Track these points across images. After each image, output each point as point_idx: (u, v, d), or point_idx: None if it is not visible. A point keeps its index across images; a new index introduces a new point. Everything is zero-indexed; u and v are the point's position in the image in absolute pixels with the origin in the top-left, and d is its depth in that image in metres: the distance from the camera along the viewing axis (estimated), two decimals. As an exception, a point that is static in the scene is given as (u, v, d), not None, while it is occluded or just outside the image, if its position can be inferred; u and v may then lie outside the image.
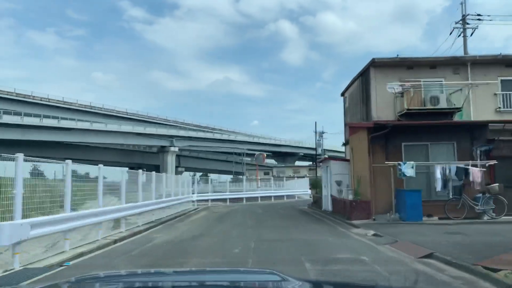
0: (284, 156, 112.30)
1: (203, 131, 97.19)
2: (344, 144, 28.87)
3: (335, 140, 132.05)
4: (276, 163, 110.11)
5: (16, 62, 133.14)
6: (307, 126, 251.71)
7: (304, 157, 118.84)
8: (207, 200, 33.37)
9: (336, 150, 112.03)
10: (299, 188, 43.57)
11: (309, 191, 44.60)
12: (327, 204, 24.33)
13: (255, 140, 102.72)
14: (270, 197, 38.96)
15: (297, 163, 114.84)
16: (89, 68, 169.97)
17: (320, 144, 77.12)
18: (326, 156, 40.49)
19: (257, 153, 43.56)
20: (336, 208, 22.12)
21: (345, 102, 28.50)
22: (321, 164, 26.12)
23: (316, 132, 67.65)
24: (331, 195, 23.27)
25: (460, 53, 30.20)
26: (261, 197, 38.00)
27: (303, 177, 50.82)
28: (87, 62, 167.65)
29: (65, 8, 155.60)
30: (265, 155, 43.43)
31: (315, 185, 32.62)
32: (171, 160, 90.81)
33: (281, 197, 40.41)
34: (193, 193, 31.17)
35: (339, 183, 22.09)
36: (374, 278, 7.62)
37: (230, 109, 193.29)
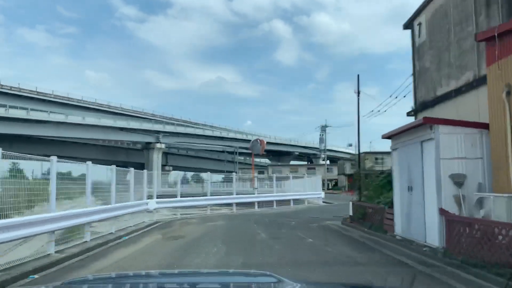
0: (279, 155, 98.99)
1: (193, 127, 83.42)
2: (414, 113, 15.31)
3: (333, 141, 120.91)
4: (270, 162, 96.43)
5: (4, 60, 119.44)
6: (299, 127, 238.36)
7: (300, 157, 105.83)
8: (175, 208, 19.62)
9: (338, 150, 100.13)
10: (308, 190, 30.20)
11: (322, 194, 31.15)
12: (420, 228, 9.88)
13: (249, 137, 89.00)
14: (271, 202, 25.49)
15: (292, 163, 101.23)
16: (81, 66, 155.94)
17: (323, 140, 64.06)
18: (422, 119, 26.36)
19: (253, 138, 29.88)
20: (458, 243, 8.20)
21: (419, 33, 15.08)
22: (396, 141, 12.04)
23: (323, 134, 54.67)
24: (441, 210, 9.10)
25: None
26: (259, 202, 24.39)
27: (301, 176, 36.80)
28: (79, 61, 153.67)
29: (55, 5, 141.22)
30: (265, 142, 29.90)
31: (358, 185, 19.05)
32: (157, 158, 77.15)
33: (286, 201, 26.82)
34: (149, 198, 17.43)
35: (460, 181, 8.56)
36: None
37: (223, 109, 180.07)
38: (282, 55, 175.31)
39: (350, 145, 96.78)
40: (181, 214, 19.49)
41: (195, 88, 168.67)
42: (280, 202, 26.43)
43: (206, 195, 21.45)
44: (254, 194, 24.11)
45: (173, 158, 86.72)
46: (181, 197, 19.91)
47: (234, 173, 25.31)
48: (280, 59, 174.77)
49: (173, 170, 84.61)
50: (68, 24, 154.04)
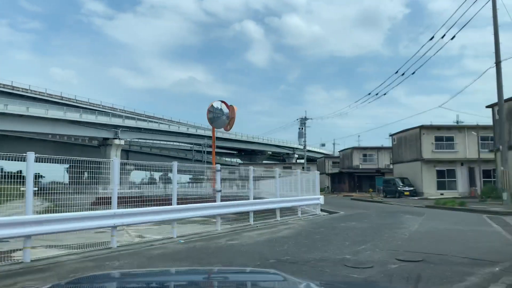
0: (251, 154, 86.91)
1: (156, 122, 70.14)
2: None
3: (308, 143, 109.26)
4: (241, 162, 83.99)
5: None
6: (272, 128, 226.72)
7: (272, 157, 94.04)
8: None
9: (312, 150, 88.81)
10: (302, 193, 18.10)
11: (321, 198, 19.07)
12: None
13: (219, 135, 76.60)
14: (246, 214, 13.36)
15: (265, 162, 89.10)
16: (46, 63, 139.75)
17: (302, 134, 52.34)
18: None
19: (216, 102, 18.01)
20: None
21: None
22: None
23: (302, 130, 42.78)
24: None
25: None
26: (223, 215, 12.17)
27: (288, 171, 22.60)
28: (43, 57, 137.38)
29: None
30: (236, 108, 18.12)
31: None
32: (115, 156, 63.75)
33: (270, 213, 14.68)
34: None
35: None
36: None
37: (194, 109, 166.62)
38: (254, 56, 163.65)
39: (323, 145, 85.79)
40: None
41: (166, 87, 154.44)
42: (261, 215, 14.30)
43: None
44: (217, 204, 11.84)
45: (135, 156, 72.81)
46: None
47: (175, 162, 12.76)
48: (252, 60, 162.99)
49: (135, 169, 71.42)
50: (32, 19, 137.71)
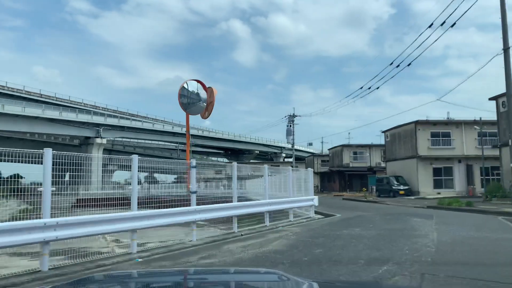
0: (238, 154, 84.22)
1: (140, 120, 67.13)
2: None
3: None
4: (228, 161, 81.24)
5: None
6: (258, 128, 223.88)
7: (260, 156, 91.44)
8: None
9: (300, 149, 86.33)
10: (294, 194, 15.64)
11: (316, 199, 16.64)
12: None
13: (205, 134, 73.86)
14: (229, 220, 10.90)
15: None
16: (29, 61, 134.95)
17: (290, 132, 49.89)
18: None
19: (190, 82, 15.10)
20: None
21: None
22: None
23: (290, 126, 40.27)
24: None
25: None
26: (199, 222, 9.67)
27: (275, 168, 19.42)
28: (27, 56, 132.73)
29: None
30: (215, 91, 15.41)
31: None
32: (97, 155, 60.53)
33: (257, 217, 12.23)
34: None
35: None
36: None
37: (181, 109, 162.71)
38: (240, 55, 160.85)
39: (311, 144, 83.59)
40: None
41: (152, 86, 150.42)
42: (247, 220, 11.83)
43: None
44: (191, 208, 9.25)
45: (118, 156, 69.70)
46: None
47: (135, 156, 10.17)
48: (238, 59, 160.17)
49: (117, 169, 68.31)
50: (15, 17, 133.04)
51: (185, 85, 11.24)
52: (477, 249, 8.16)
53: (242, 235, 10.88)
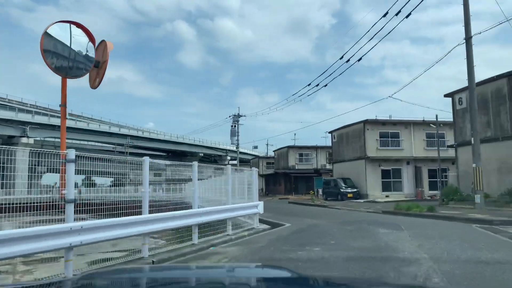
0: (181, 156, 79.65)
1: (73, 119, 60.74)
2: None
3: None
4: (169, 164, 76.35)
5: None
6: (202, 127, 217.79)
7: (204, 158, 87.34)
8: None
9: (245, 152, 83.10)
10: (236, 199, 12.30)
11: (259, 206, 13.34)
12: None
13: (145, 134, 68.72)
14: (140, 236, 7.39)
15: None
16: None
17: (235, 132, 46.42)
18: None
19: (61, 26, 10.71)
20: None
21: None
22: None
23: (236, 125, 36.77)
24: None
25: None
26: (86, 245, 6.08)
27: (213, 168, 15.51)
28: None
29: None
30: (111, 46, 11.70)
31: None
32: (21, 156, 53.60)
33: (183, 232, 8.76)
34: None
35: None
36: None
37: (123, 110, 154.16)
38: (186, 57, 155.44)
39: (256, 147, 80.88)
40: None
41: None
42: (170, 236, 8.30)
43: None
44: (66, 224, 5.64)
45: (47, 158, 62.71)
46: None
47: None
48: (184, 61, 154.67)
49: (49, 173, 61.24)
50: None
51: (53, 31, 6.49)
52: (491, 282, 5.20)
53: (153, 262, 7.29)
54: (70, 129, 58.16)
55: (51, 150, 7.22)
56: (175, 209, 8.83)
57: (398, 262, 6.69)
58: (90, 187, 15.70)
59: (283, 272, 2.31)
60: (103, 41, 6.37)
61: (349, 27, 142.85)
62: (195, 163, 9.84)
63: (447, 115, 34.94)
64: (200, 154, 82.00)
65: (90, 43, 6.31)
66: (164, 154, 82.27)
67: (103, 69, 6.62)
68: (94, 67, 6.61)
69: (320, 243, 8.90)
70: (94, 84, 6.75)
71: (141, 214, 7.79)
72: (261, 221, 14.20)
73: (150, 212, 8.04)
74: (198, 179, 14.48)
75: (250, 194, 13.28)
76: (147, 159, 8.08)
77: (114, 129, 63.87)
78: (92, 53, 6.21)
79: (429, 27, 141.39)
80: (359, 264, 6.65)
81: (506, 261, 6.86)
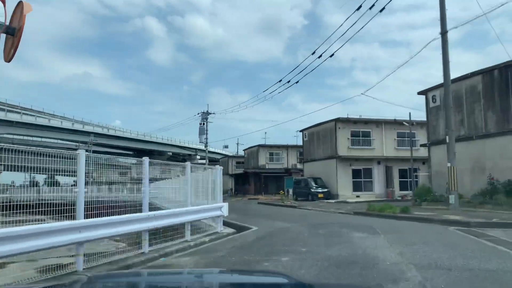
0: (149, 155, 76.95)
1: (33, 115, 57.57)
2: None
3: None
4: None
5: None
6: (169, 126, 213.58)
7: (173, 158, 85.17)
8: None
9: (216, 151, 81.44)
10: (194, 200, 11.02)
11: (224, 208, 12.13)
12: None
13: (110, 132, 66.05)
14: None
15: (165, 164, 79.75)
16: None
17: (203, 130, 44.86)
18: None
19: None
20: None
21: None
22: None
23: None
24: None
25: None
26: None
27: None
28: None
29: None
30: (29, 7, 10.62)
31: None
32: (-25, 154, 50.16)
33: (132, 238, 7.39)
34: None
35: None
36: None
37: (89, 107, 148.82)
38: (155, 54, 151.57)
39: (226, 146, 79.57)
40: None
41: (57, 82, 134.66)
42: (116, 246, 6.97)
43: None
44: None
45: (4, 155, 59.09)
46: None
47: None
48: (153, 58, 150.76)
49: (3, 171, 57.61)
50: None
51: None
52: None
53: (88, 277, 5.87)
54: (29, 125, 55.13)
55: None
56: (121, 213, 7.47)
57: (381, 275, 5.60)
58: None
59: (281, 278, 2.32)
60: (20, 2, 4.97)
61: (320, 28, 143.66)
62: (146, 159, 8.47)
63: (417, 115, 34.74)
64: (169, 153, 79.85)
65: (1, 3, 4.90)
66: (131, 153, 79.62)
67: (18, 37, 5.19)
68: (8, 35, 5.20)
69: (290, 251, 7.74)
70: (9, 56, 5.30)
71: (74, 219, 6.39)
72: (226, 224, 12.98)
73: (89, 216, 6.66)
74: (161, 179, 13.09)
75: (214, 195, 11.99)
76: (82, 152, 6.68)
77: (78, 126, 60.98)
78: (2, 18, 4.87)
79: (398, 30, 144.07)
80: (335, 277, 5.52)
81: (503, 271, 5.90)
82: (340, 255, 7.21)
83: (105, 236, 6.66)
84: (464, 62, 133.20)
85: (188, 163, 10.59)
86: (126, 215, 7.15)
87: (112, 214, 7.03)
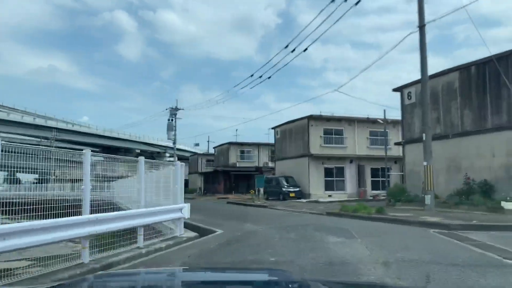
0: (116, 152, 74.53)
1: (-10, 108, 54.23)
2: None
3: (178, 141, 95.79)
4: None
5: None
6: (136, 122, 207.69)
7: (141, 155, 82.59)
8: None
9: (186, 149, 79.41)
10: (149, 199, 9.76)
11: (184, 209, 10.93)
12: None
13: (75, 128, 63.15)
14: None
15: (133, 162, 77.25)
16: None
17: (172, 126, 43.21)
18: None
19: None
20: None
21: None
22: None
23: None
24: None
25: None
26: None
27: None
28: None
29: None
30: None
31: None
32: None
33: (73, 244, 6.12)
34: None
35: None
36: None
37: (55, 102, 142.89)
38: (125, 49, 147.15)
39: (197, 144, 77.79)
40: None
41: (21, 75, 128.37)
42: (52, 253, 5.68)
43: None
44: None
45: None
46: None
47: None
48: (123, 53, 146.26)
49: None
50: None
51: None
52: None
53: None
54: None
55: None
56: (55, 216, 6.13)
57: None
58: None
59: (283, 276, 2.28)
60: None
61: (294, 28, 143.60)
62: (87, 152, 7.12)
63: (390, 114, 34.38)
64: (137, 150, 77.40)
65: None
66: (98, 149, 76.75)
67: None
68: None
69: (256, 261, 6.61)
70: None
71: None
72: (189, 226, 11.74)
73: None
74: (128, 177, 11.71)
75: (174, 195, 10.71)
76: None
77: (40, 121, 57.93)
78: None
79: (369, 32, 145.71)
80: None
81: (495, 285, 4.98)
82: (315, 267, 6.13)
83: (19, 247, 5.28)
84: (432, 65, 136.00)
85: (141, 158, 9.28)
86: (53, 219, 5.80)
87: (37, 217, 5.68)
